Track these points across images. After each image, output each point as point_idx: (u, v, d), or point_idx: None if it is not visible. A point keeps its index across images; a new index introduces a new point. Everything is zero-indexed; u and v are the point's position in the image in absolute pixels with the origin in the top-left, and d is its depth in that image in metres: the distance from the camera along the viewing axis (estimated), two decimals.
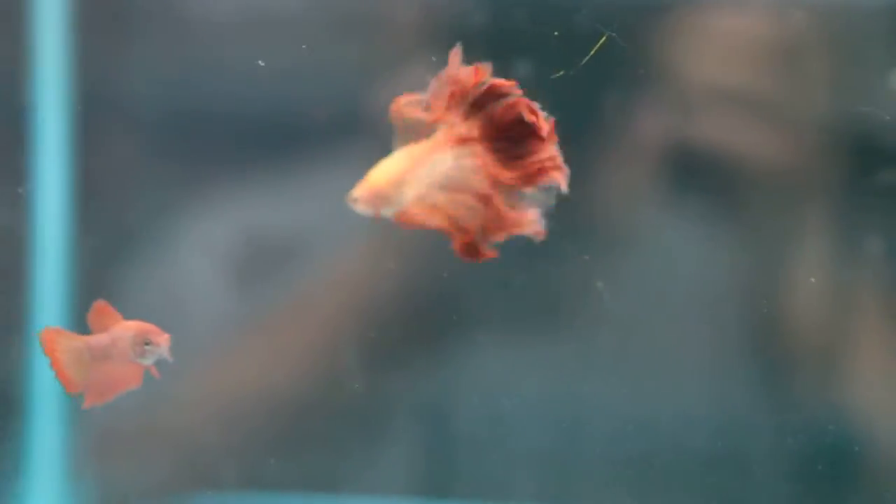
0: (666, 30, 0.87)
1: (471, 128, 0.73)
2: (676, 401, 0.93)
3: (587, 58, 0.81)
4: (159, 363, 0.71)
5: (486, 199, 0.74)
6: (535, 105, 0.71)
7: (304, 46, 0.84)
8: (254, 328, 0.94)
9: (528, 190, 0.74)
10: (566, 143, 0.94)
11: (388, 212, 0.74)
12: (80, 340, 0.71)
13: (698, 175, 0.90)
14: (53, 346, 0.71)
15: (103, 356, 0.71)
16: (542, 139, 0.73)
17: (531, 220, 0.74)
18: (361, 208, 0.73)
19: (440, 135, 0.73)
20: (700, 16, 0.88)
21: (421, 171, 0.73)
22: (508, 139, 0.74)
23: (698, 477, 0.92)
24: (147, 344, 0.70)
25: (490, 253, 0.74)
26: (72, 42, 0.89)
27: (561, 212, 0.93)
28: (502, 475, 0.94)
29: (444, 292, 0.92)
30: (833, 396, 0.92)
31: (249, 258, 0.92)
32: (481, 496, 0.93)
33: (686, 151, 0.89)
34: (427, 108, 0.71)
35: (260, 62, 0.82)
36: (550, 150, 0.73)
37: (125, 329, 0.71)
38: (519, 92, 0.71)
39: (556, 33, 0.85)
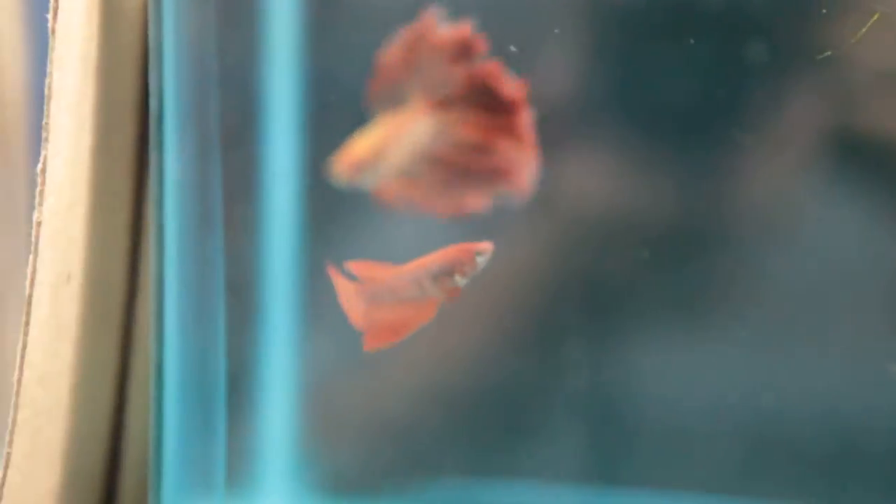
0: (838, 13, 0.85)
1: (446, 88, 0.72)
2: (852, 393, 0.90)
3: (859, 35, 0.79)
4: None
5: (464, 165, 0.74)
6: (502, 70, 0.71)
7: (512, 48, 0.84)
8: (462, 315, 0.94)
9: (506, 158, 0.74)
10: (728, 132, 0.93)
11: (368, 181, 0.74)
12: (374, 282, 0.72)
13: (862, 163, 0.87)
14: (346, 291, 0.73)
15: (388, 298, 0.72)
16: (511, 105, 0.72)
17: (509, 188, 0.74)
18: (340, 178, 0.73)
19: (416, 102, 0.73)
20: None
21: (400, 138, 0.73)
22: (483, 102, 0.73)
23: (880, 477, 0.90)
24: (479, 254, 0.71)
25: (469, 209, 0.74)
26: (301, 34, 0.91)
27: (724, 200, 0.92)
28: (680, 463, 0.93)
29: (619, 284, 0.91)
30: None
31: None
32: (658, 484, 0.92)
33: (850, 138, 0.87)
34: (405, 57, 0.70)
35: (512, 48, 0.83)
36: (521, 119, 0.72)
37: (429, 261, 0.72)
38: (485, 53, 0.71)
39: (823, 10, 0.83)
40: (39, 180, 0.78)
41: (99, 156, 0.83)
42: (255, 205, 0.91)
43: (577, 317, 0.93)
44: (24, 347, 0.81)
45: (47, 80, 0.76)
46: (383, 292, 0.73)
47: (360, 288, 0.73)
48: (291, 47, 0.90)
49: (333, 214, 0.93)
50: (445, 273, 0.72)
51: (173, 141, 0.84)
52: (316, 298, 0.94)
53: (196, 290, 0.87)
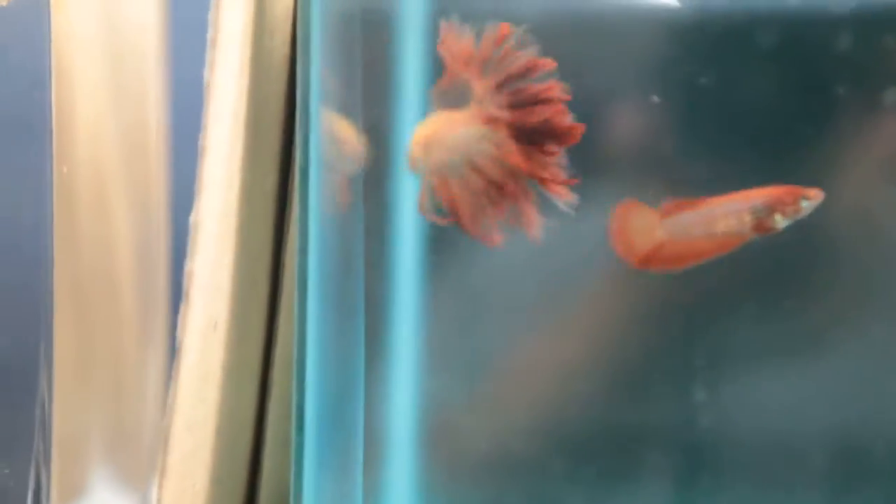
0: None
1: (501, 104, 0.74)
2: None
3: None
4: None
5: (497, 183, 0.75)
6: (564, 105, 0.72)
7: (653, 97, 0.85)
8: (585, 356, 0.94)
9: (540, 185, 0.75)
10: (813, 155, 0.91)
11: (425, 163, 0.77)
12: (654, 214, 0.73)
13: None
14: (626, 217, 0.74)
15: (698, 229, 0.72)
16: (559, 142, 0.74)
17: (532, 216, 0.75)
18: (413, 152, 0.76)
19: (473, 109, 0.75)
20: None
21: (452, 135, 0.76)
22: (532, 130, 0.75)
23: None
24: (805, 199, 0.72)
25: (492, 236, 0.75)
26: (434, 82, 0.92)
27: (814, 226, 0.91)
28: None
29: (710, 318, 0.91)
30: None
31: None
32: None
33: None
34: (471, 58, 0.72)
35: (654, 97, 0.84)
36: (557, 157, 0.74)
37: (752, 195, 0.72)
38: (552, 78, 0.72)
39: None
40: (192, 232, 0.80)
41: (244, 207, 0.85)
42: (393, 249, 0.92)
43: (699, 357, 0.93)
44: (175, 394, 0.83)
45: (202, 134, 0.79)
46: (694, 222, 0.73)
47: (667, 216, 0.74)
48: (426, 96, 0.91)
49: (465, 257, 0.94)
50: (767, 210, 0.72)
51: (317, 191, 0.85)
52: (448, 342, 0.95)
53: (336, 335, 0.89)
